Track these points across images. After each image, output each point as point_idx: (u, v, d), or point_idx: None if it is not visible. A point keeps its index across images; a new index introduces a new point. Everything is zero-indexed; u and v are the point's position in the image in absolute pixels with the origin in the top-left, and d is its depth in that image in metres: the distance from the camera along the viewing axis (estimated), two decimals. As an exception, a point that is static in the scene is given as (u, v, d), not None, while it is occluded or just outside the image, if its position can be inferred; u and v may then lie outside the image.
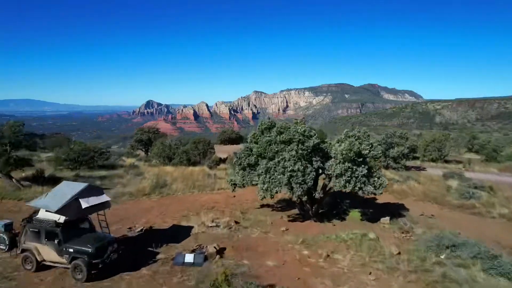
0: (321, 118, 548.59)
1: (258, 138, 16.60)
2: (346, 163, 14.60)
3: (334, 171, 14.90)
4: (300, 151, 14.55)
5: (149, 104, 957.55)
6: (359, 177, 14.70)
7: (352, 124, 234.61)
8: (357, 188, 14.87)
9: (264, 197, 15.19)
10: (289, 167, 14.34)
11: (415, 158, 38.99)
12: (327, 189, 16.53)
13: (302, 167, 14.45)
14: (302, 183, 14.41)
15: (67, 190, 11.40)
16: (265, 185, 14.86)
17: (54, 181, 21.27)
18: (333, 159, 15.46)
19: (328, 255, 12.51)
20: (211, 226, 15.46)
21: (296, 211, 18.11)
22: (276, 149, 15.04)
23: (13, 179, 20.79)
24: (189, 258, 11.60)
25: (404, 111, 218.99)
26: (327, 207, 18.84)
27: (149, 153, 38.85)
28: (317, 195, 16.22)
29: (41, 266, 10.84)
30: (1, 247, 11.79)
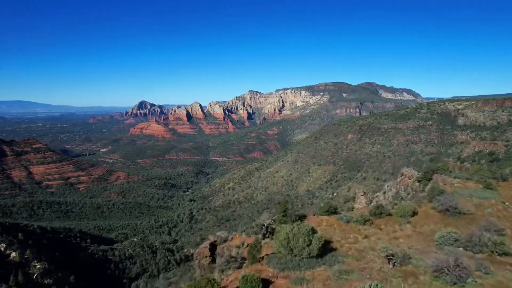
0: (319, 118, 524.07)
1: None
2: None
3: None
4: None
5: (142, 105, 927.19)
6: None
7: (360, 126, 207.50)
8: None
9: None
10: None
11: None
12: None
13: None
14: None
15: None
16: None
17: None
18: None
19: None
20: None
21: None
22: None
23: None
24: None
25: (419, 111, 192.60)
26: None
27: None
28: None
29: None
30: None
